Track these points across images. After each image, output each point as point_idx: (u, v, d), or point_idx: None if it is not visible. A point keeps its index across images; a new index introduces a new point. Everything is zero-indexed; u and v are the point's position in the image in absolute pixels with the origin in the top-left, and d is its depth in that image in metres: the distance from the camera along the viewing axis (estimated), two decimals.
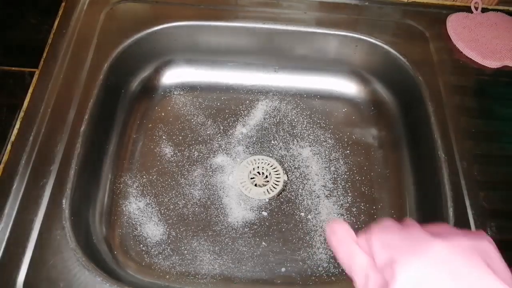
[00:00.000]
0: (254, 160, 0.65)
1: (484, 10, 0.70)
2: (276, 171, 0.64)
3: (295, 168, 0.65)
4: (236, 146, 0.67)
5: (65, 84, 0.59)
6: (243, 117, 0.70)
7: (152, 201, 0.61)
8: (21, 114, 0.56)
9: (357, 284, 0.31)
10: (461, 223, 0.51)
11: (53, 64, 0.60)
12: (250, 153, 0.66)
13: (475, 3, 0.70)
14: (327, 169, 0.65)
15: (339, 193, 0.63)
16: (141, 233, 0.58)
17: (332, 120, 0.70)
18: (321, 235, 0.59)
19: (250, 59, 0.72)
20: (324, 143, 0.68)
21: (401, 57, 0.65)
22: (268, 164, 0.65)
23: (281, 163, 0.65)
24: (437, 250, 0.28)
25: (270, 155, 0.66)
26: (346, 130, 0.69)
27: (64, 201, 0.50)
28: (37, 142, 0.54)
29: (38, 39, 0.63)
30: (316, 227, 0.60)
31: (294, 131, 0.69)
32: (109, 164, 0.61)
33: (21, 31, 0.64)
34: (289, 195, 0.63)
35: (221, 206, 0.61)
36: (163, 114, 0.69)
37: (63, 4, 0.67)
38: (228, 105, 0.71)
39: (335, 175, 0.64)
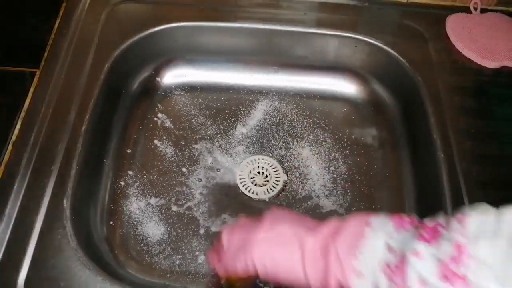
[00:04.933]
0: (254, 160, 0.65)
1: (483, 10, 0.71)
2: (276, 171, 0.64)
3: (295, 168, 0.65)
4: (236, 146, 0.67)
5: (66, 84, 0.59)
6: (243, 117, 0.70)
7: (152, 200, 0.61)
8: (22, 114, 0.56)
9: None
10: None
11: (54, 64, 0.61)
12: (250, 153, 0.66)
13: (474, 3, 0.70)
14: (326, 169, 0.65)
15: (338, 193, 0.63)
16: (141, 232, 0.58)
17: (332, 120, 0.70)
18: None
19: (250, 59, 0.73)
20: (324, 143, 0.68)
21: (400, 57, 0.65)
22: (268, 164, 0.65)
23: (281, 163, 0.65)
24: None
25: (270, 155, 0.66)
26: (346, 130, 0.69)
27: (65, 201, 0.50)
28: (38, 142, 0.54)
29: (39, 39, 0.63)
30: None
31: (294, 131, 0.69)
32: (109, 164, 0.62)
33: (22, 31, 0.64)
34: (289, 195, 0.63)
35: (221, 205, 0.61)
36: (163, 114, 0.69)
37: (63, 4, 0.67)
38: (228, 105, 0.71)
39: (335, 175, 0.64)
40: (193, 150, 0.66)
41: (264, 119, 0.70)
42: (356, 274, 0.35)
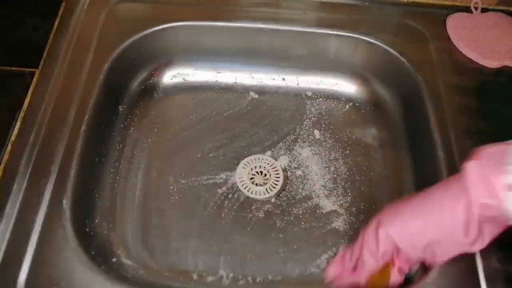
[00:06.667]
0: (254, 159, 0.65)
1: (483, 10, 0.70)
2: (276, 171, 0.64)
3: (295, 168, 0.65)
4: (236, 146, 0.67)
5: (65, 84, 0.59)
6: (243, 117, 0.70)
7: (152, 200, 0.61)
8: (22, 114, 0.56)
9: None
10: None
11: (53, 64, 0.61)
12: (250, 153, 0.66)
13: (475, 3, 0.70)
14: (327, 169, 0.65)
15: (339, 193, 0.63)
16: (142, 233, 0.58)
17: (332, 120, 0.70)
18: None
19: (250, 59, 0.72)
20: (324, 143, 0.68)
21: (401, 57, 0.65)
22: (268, 163, 0.65)
23: (281, 162, 0.65)
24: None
25: (270, 154, 0.66)
26: (346, 130, 0.69)
27: (64, 201, 0.50)
28: (37, 142, 0.54)
29: (38, 39, 0.63)
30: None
31: (294, 131, 0.69)
32: (109, 164, 0.62)
33: (21, 31, 0.64)
34: (289, 195, 0.63)
35: (221, 205, 0.61)
36: (163, 114, 0.69)
37: (63, 4, 0.67)
38: (228, 105, 0.71)
39: (335, 175, 0.64)
40: (193, 150, 0.66)
41: (264, 118, 0.70)
42: (509, 188, 0.34)
